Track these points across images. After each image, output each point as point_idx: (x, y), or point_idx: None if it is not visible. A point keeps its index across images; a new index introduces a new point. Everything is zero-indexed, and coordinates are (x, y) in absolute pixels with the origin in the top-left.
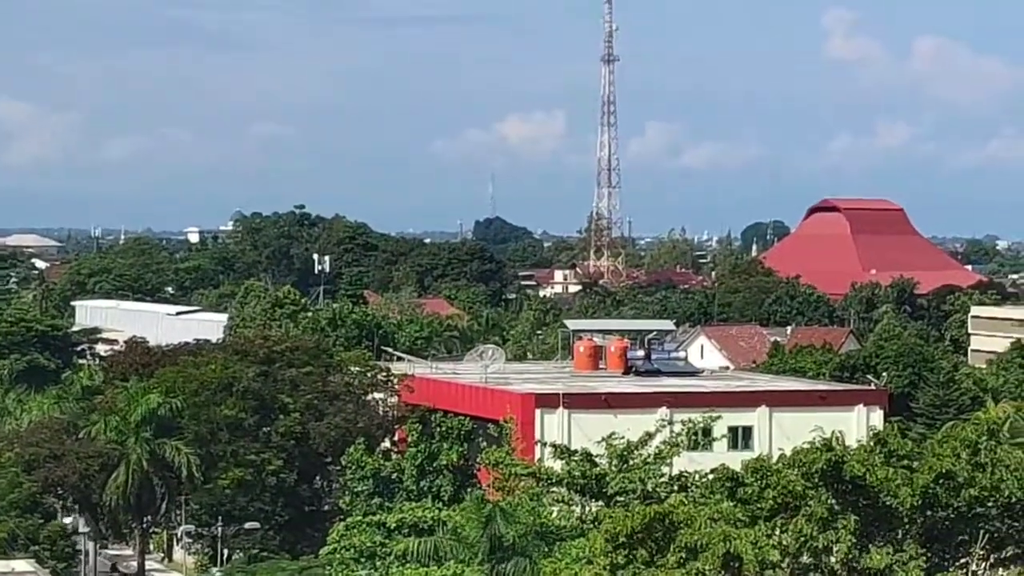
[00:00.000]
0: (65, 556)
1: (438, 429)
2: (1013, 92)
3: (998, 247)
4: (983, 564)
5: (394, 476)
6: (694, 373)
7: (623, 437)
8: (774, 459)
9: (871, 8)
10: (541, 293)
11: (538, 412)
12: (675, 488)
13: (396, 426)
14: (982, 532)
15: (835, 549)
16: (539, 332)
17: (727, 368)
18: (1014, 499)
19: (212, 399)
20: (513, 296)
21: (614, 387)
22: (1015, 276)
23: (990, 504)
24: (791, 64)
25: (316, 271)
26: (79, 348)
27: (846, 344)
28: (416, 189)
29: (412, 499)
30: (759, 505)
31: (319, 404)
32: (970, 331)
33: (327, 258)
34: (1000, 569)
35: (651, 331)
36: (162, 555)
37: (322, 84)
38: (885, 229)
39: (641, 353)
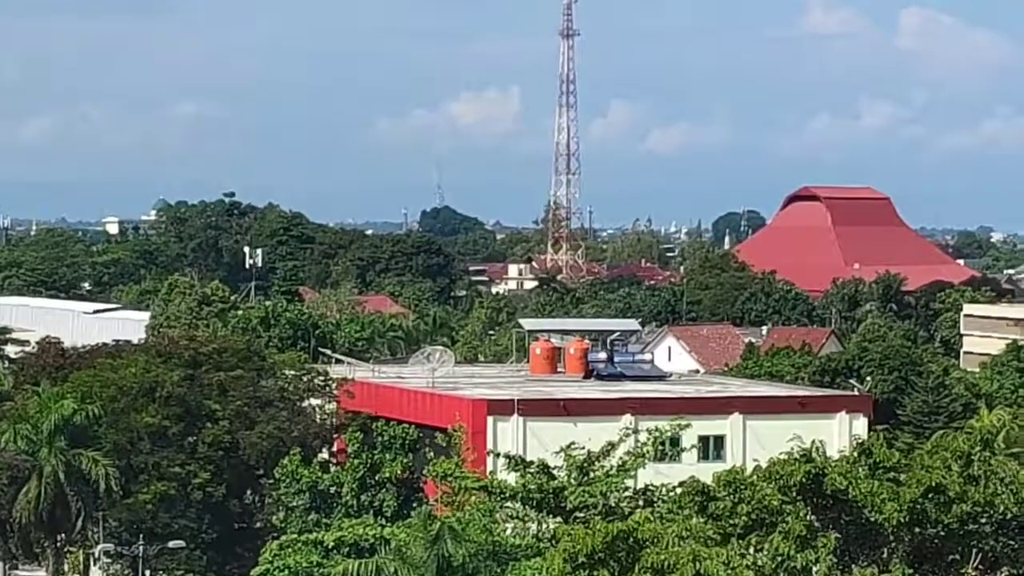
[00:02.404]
0: None
1: (381, 438)
2: (1008, 68)
3: (993, 239)
4: None
5: (332, 490)
6: (661, 377)
7: (583, 447)
8: (748, 471)
9: None
10: (494, 289)
11: (490, 420)
12: (640, 503)
13: (335, 435)
14: (975, 551)
15: (815, 569)
16: (491, 332)
17: (697, 372)
18: (1009, 515)
19: (132, 406)
20: (463, 293)
21: (573, 392)
22: (1011, 271)
23: (983, 521)
24: (767, 39)
25: (247, 265)
26: None
27: (827, 345)
28: (356, 175)
29: (352, 515)
30: (732, 521)
31: (250, 411)
32: (962, 331)
33: (259, 251)
34: None
35: (614, 331)
36: None
37: (254, 59)
38: (869, 220)
39: (603, 355)
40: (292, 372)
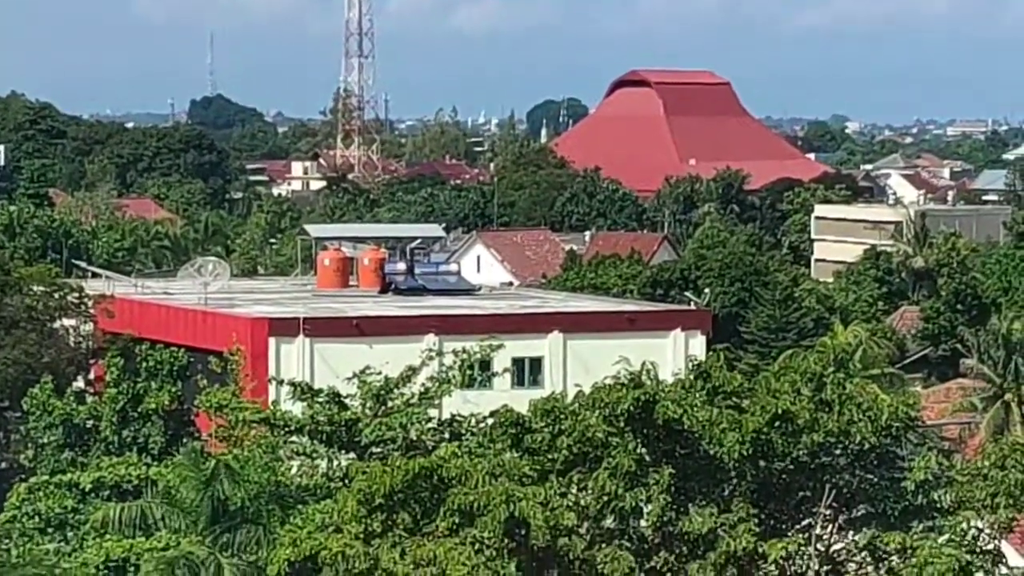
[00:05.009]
0: None
1: (145, 364)
2: None
3: (848, 130)
4: (830, 526)
5: (89, 424)
6: (468, 291)
7: (380, 372)
8: (569, 399)
9: None
10: (275, 191)
11: (272, 341)
12: (446, 436)
13: (92, 360)
14: (828, 487)
15: (646, 510)
16: (273, 240)
17: (510, 284)
18: (867, 446)
19: None
20: (239, 195)
21: (368, 309)
22: (869, 167)
23: (838, 452)
24: None
25: None
26: None
27: (659, 253)
28: (114, 59)
29: (112, 453)
30: (551, 456)
31: None
32: (813, 236)
33: (1, 148)
34: (850, 532)
35: (414, 238)
36: None
37: None
38: (707, 108)
39: (402, 266)
40: (41, 288)
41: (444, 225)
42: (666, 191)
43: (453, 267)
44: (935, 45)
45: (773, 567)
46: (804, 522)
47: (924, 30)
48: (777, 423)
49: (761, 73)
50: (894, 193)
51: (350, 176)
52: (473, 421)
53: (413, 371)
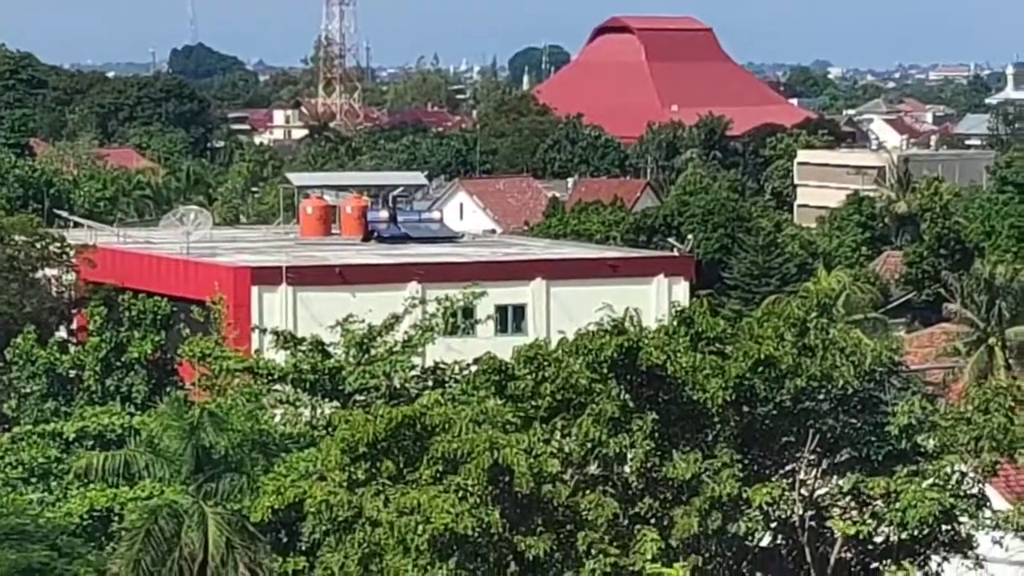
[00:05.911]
0: None
1: (128, 313)
2: None
3: (830, 76)
4: (813, 471)
5: (73, 374)
6: (451, 238)
7: (363, 320)
8: (552, 345)
9: None
10: (257, 139)
11: (255, 290)
12: (429, 384)
13: (74, 310)
14: (811, 432)
15: (630, 456)
16: (255, 189)
17: (493, 231)
18: (850, 390)
19: None
20: (221, 143)
21: (351, 257)
22: (851, 112)
23: (821, 397)
24: None
25: None
26: None
27: (642, 199)
28: (95, 8)
29: (96, 402)
30: (534, 403)
31: None
32: (796, 181)
33: None
34: (834, 476)
35: (397, 186)
36: None
37: None
38: (689, 54)
39: (384, 214)
40: (23, 238)
41: (426, 173)
42: (648, 137)
43: (436, 215)
44: None
45: (757, 512)
46: (788, 467)
47: None
48: (760, 368)
49: (743, 18)
50: (877, 138)
51: (332, 124)
52: (456, 369)
53: (396, 319)
